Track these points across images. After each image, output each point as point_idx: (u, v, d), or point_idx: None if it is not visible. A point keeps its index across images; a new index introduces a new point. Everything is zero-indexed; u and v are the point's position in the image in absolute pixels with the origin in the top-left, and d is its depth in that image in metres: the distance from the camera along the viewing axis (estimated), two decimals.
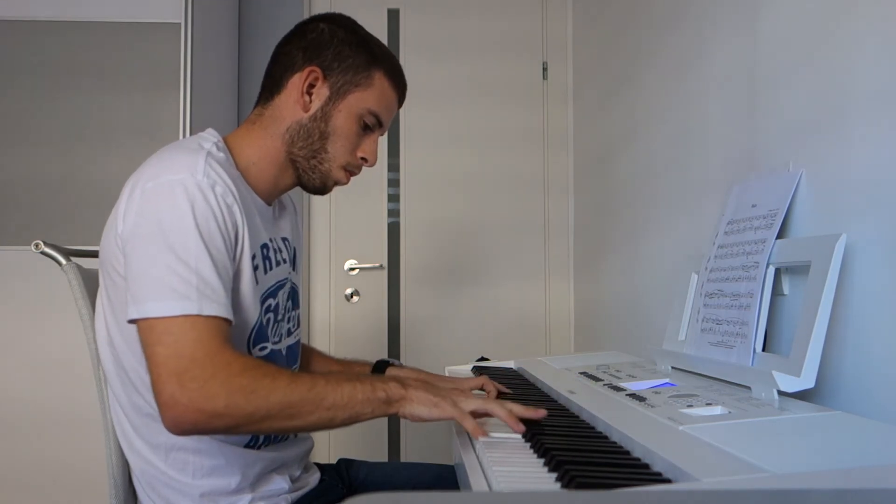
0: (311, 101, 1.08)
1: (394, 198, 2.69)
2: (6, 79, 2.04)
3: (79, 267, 1.12)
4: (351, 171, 1.14)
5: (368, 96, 1.10)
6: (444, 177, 2.68)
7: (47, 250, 1.10)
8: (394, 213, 2.69)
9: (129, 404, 1.03)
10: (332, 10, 2.62)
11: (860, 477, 0.51)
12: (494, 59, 2.70)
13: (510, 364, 1.56)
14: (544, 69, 2.73)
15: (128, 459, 1.05)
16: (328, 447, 2.57)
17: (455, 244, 2.67)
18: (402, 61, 2.80)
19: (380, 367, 1.32)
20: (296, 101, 1.08)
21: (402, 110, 2.72)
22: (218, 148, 1.03)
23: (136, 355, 0.99)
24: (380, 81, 1.11)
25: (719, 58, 1.38)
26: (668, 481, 0.67)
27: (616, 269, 2.10)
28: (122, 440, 1.05)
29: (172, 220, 0.91)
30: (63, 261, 1.11)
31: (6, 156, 2.03)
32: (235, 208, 0.98)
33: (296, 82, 1.08)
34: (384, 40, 2.69)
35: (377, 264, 2.67)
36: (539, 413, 0.92)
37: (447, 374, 1.41)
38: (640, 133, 1.87)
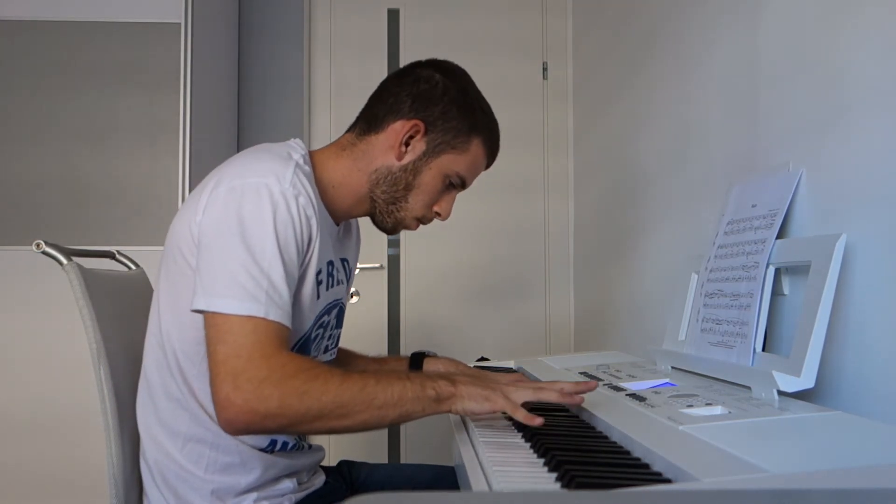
0: (405, 152, 1.09)
1: None
2: (6, 79, 2.04)
3: (79, 267, 1.12)
4: (423, 222, 1.16)
5: (461, 161, 1.11)
6: None
7: (48, 250, 1.10)
8: None
9: (160, 387, 1.03)
10: (333, 12, 2.64)
11: (860, 477, 0.51)
12: (494, 59, 2.70)
13: (510, 364, 1.56)
14: (544, 69, 2.73)
15: (143, 449, 1.06)
16: (329, 449, 2.56)
17: (455, 244, 2.67)
18: (401, 61, 2.79)
19: (416, 360, 1.32)
20: (391, 147, 1.09)
21: None
22: (304, 161, 1.05)
23: (183, 341, 1.01)
24: (476, 148, 1.12)
25: (719, 58, 1.38)
26: (668, 481, 0.67)
27: (616, 269, 2.10)
28: (142, 428, 1.06)
29: (253, 222, 0.93)
30: (64, 261, 1.11)
31: (6, 156, 2.03)
32: (314, 221, 1.00)
33: (396, 129, 1.09)
34: (384, 40, 2.70)
35: (377, 264, 2.67)
36: (590, 385, 0.93)
37: None
38: (639, 133, 1.87)
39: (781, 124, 1.14)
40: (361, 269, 2.66)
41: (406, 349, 2.65)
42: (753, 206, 1.11)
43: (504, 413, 0.92)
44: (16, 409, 1.98)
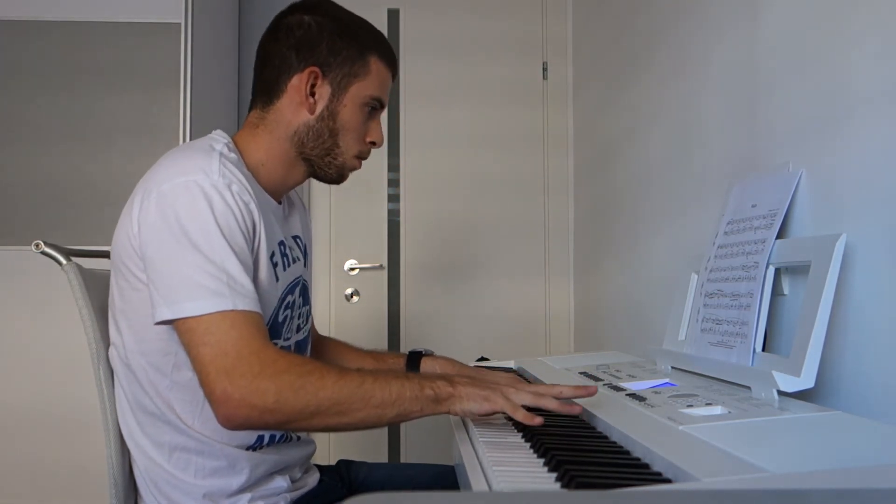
0: (315, 102, 1.08)
1: (394, 198, 2.69)
2: (6, 79, 2.04)
3: (79, 267, 1.12)
4: (363, 157, 1.15)
5: (369, 85, 1.10)
6: (444, 177, 2.68)
7: (47, 250, 1.10)
8: (394, 213, 2.69)
9: (135, 402, 1.03)
10: None
11: (860, 477, 0.51)
12: (494, 59, 2.70)
13: (510, 364, 1.56)
14: (544, 69, 2.73)
15: (133, 457, 1.05)
16: (328, 448, 2.57)
17: (455, 244, 2.67)
18: (401, 61, 2.79)
19: (413, 359, 1.31)
20: (300, 104, 1.08)
21: (401, 110, 2.71)
22: (229, 149, 1.04)
23: (146, 354, 1.00)
24: (375, 66, 1.11)
25: (719, 58, 1.38)
26: (668, 481, 0.67)
27: (616, 269, 2.10)
28: (128, 438, 1.05)
29: (193, 221, 0.92)
30: (63, 261, 1.11)
31: (6, 156, 2.03)
32: (253, 206, 0.99)
33: (296, 85, 1.08)
34: None
35: (377, 264, 2.67)
36: (590, 390, 0.93)
37: None
38: (640, 133, 1.87)
39: (781, 124, 1.14)
40: (361, 269, 2.66)
41: (406, 349, 2.64)
42: (753, 206, 1.11)
43: (503, 413, 0.92)
44: (15, 408, 1.98)
